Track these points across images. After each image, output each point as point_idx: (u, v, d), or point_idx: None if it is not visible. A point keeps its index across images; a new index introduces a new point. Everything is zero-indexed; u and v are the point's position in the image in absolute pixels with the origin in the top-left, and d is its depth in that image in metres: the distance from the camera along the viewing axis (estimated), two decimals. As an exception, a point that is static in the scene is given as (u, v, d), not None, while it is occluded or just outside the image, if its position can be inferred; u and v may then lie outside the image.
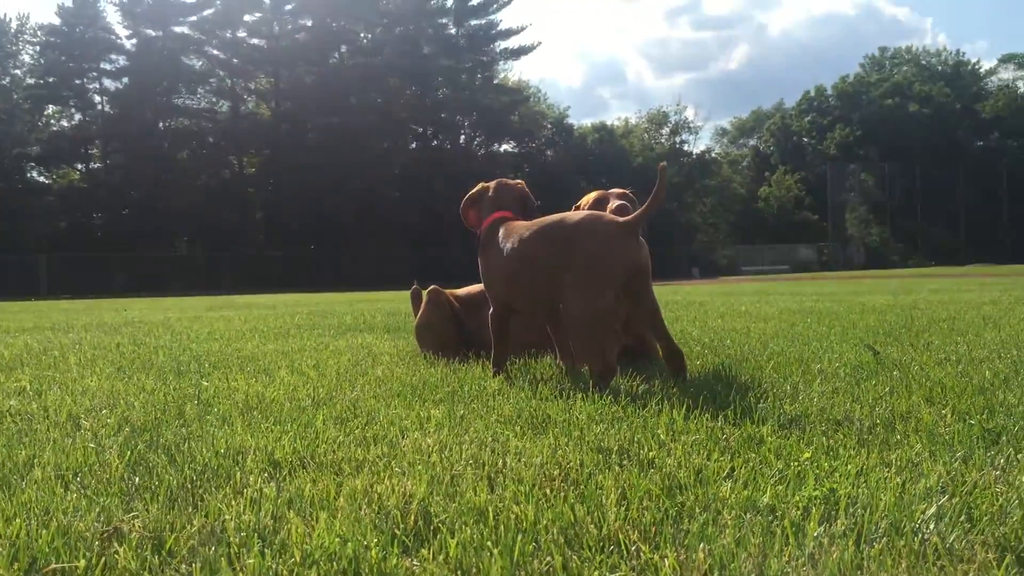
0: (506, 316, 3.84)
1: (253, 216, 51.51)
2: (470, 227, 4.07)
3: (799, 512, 1.64)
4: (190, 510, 1.76)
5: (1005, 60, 74.88)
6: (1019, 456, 2.02)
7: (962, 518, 1.58)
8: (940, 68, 75.18)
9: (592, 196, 4.11)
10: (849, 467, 1.94)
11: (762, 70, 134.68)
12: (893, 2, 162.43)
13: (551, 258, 3.41)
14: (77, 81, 50.30)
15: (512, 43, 56.55)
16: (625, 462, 2.07)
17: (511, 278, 3.65)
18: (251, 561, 1.44)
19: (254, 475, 2.02)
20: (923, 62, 76.71)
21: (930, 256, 60.44)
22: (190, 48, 51.66)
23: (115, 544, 1.56)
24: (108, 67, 50.83)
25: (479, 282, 4.21)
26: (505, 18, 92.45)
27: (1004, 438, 2.22)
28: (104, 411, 2.99)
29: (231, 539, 1.55)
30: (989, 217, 62.66)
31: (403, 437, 2.43)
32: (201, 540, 1.56)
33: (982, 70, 75.55)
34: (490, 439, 2.36)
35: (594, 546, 1.51)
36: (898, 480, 1.84)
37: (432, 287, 4.73)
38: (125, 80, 50.82)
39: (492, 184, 4.06)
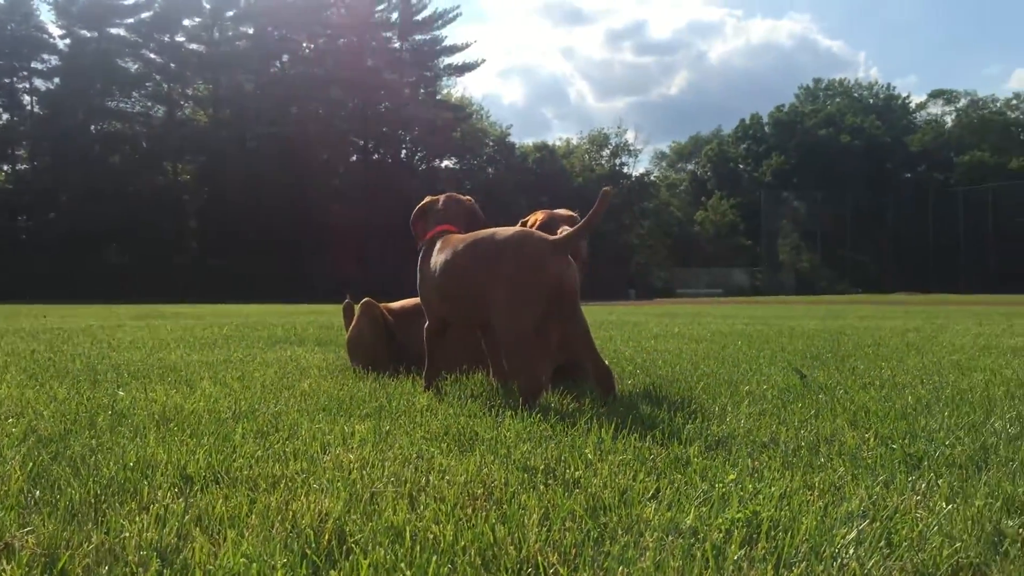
0: (441, 330, 3.80)
1: (186, 224, 50.38)
2: (416, 239, 4.02)
3: (721, 535, 1.62)
4: (90, 526, 1.67)
5: (934, 95, 77.42)
6: (939, 481, 2.04)
7: (882, 543, 1.58)
8: (871, 101, 77.48)
9: (540, 217, 4.07)
10: (773, 489, 1.94)
11: (701, 96, 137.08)
12: (828, 35, 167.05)
13: (480, 273, 3.38)
14: (6, 80, 48.75)
15: (456, 59, 56.62)
16: (550, 481, 2.04)
17: (444, 291, 3.61)
18: (147, 582, 1.37)
19: (163, 490, 1.93)
20: (855, 95, 78.94)
21: (858, 283, 61.91)
22: (126, 50, 50.44)
23: (3, 562, 1.46)
24: (39, 67, 49.43)
25: (415, 296, 4.16)
26: (450, 34, 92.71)
27: (925, 463, 2.24)
28: (10, 420, 2.85)
29: (129, 557, 1.47)
30: (915, 247, 64.58)
31: (324, 453, 2.36)
32: (97, 558, 1.48)
33: (912, 104, 78.10)
34: (414, 456, 2.30)
35: (512, 568, 1.46)
36: (820, 503, 1.83)
37: (366, 299, 4.66)
38: (57, 80, 49.46)
39: (441, 197, 4.03)
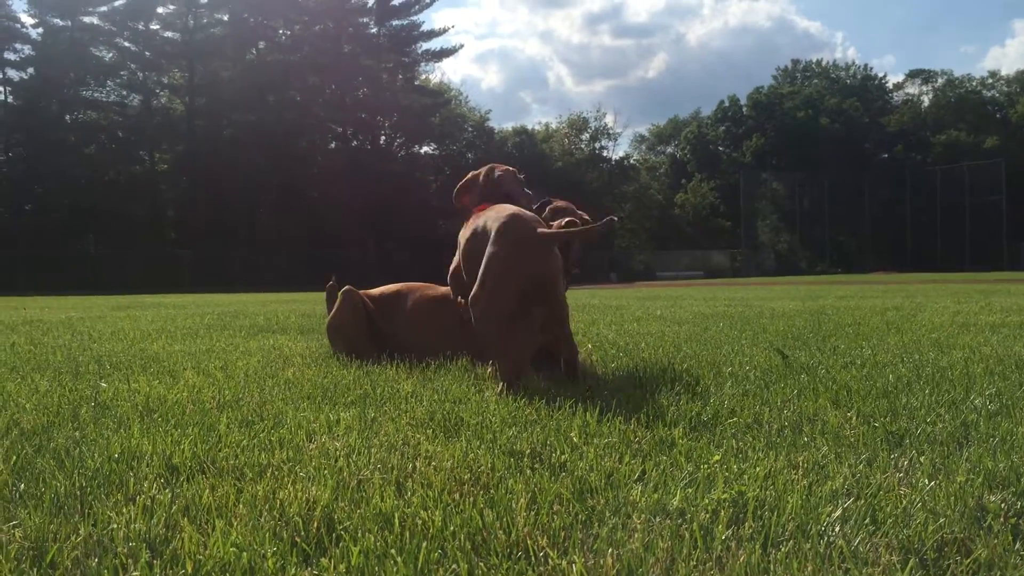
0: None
1: (164, 214, 49.99)
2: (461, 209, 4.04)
3: (708, 515, 1.64)
4: (76, 518, 1.67)
5: (912, 75, 77.89)
6: (921, 458, 2.06)
7: (867, 520, 1.60)
8: (848, 82, 77.81)
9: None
10: (757, 469, 1.95)
11: (680, 79, 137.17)
12: (806, 16, 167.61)
13: (477, 252, 3.42)
14: (-21, 70, 48.07)
15: (434, 44, 56.60)
16: (537, 465, 2.05)
17: (466, 268, 3.64)
18: (136, 574, 1.36)
19: (148, 481, 1.92)
20: (832, 75, 79.26)
21: (837, 263, 62.39)
22: (100, 39, 49.75)
23: (-10, 556, 1.45)
24: (12, 57, 48.64)
25: (393, 283, 4.18)
26: (427, 20, 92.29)
27: (907, 440, 2.27)
28: (-8, 414, 2.82)
29: (118, 549, 1.47)
30: (893, 226, 65.04)
31: (310, 441, 2.36)
32: (86, 550, 1.47)
33: (889, 84, 78.57)
34: (400, 443, 2.31)
35: (502, 552, 1.47)
36: (805, 482, 1.85)
37: (346, 287, 4.65)
38: (30, 70, 48.74)
39: (483, 170, 4.04)
